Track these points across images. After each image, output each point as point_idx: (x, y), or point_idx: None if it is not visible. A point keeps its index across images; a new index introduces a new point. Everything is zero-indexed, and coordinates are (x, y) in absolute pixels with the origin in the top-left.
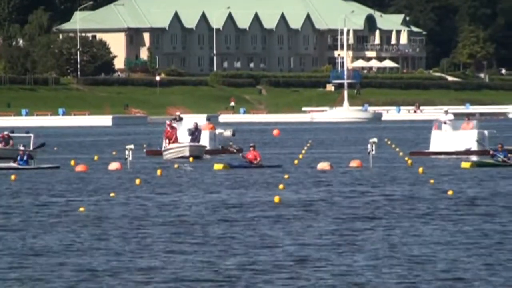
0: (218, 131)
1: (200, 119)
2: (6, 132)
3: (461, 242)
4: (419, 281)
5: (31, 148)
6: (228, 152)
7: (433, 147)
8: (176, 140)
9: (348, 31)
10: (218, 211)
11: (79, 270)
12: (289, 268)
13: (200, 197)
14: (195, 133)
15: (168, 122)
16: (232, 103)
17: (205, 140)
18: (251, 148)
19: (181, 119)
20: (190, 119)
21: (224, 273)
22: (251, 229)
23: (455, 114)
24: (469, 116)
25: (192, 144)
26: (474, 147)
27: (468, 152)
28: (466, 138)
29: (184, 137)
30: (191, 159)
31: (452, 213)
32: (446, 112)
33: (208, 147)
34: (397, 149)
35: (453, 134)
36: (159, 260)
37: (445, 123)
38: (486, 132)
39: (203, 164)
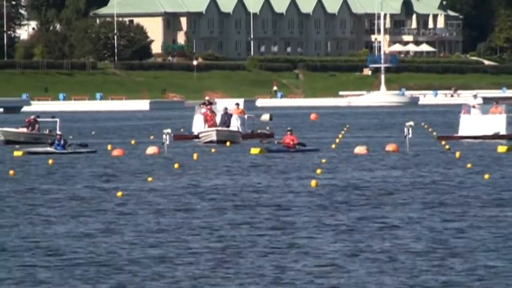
0: (246, 115)
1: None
2: (32, 117)
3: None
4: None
5: (57, 132)
6: (258, 136)
7: (462, 131)
8: (214, 124)
9: (385, 15)
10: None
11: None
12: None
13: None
14: (224, 117)
15: (202, 106)
16: (275, 87)
17: (233, 124)
18: (288, 133)
19: (210, 103)
20: (224, 104)
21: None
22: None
23: (491, 99)
24: (498, 100)
25: (219, 128)
26: (503, 131)
27: (496, 136)
28: (495, 122)
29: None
30: (228, 143)
31: (491, 199)
32: (475, 96)
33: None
34: (434, 133)
35: (481, 118)
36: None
37: (473, 107)
38: None
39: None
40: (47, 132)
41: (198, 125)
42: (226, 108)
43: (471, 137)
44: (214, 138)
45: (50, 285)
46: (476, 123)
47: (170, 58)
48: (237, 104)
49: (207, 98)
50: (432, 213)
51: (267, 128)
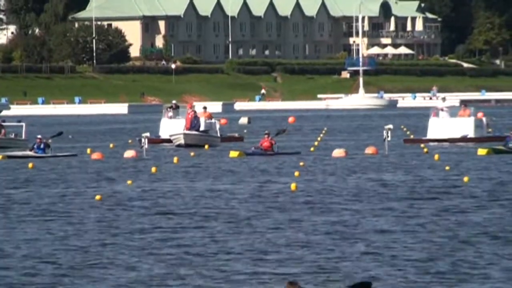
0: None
1: (216, 106)
2: None
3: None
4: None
5: (23, 137)
6: (228, 140)
7: (430, 134)
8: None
9: (363, 18)
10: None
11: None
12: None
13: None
14: (194, 121)
15: (168, 110)
16: (263, 91)
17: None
18: (266, 136)
19: (177, 107)
20: (200, 107)
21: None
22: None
23: (470, 101)
24: (465, 103)
25: (187, 132)
26: (471, 133)
27: (464, 139)
28: (463, 125)
29: (183, 126)
30: (206, 147)
31: (470, 200)
32: (444, 99)
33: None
34: (412, 136)
35: (450, 121)
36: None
37: (442, 110)
38: (484, 119)
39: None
40: (13, 136)
41: (165, 128)
42: (195, 112)
43: (439, 140)
44: (182, 141)
45: None
46: (444, 126)
47: (164, 62)
48: (205, 108)
49: (174, 101)
50: (407, 216)
51: (244, 131)
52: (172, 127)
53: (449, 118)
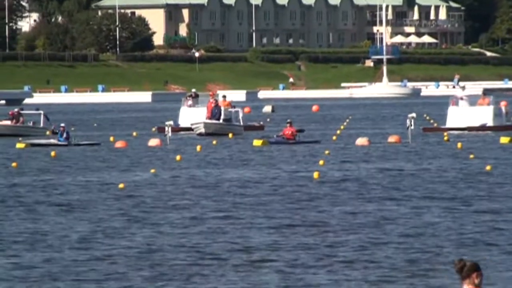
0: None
1: (240, 95)
2: (16, 109)
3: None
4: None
5: (41, 125)
6: (249, 129)
7: (449, 123)
8: (210, 115)
9: (387, 6)
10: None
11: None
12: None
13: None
14: (215, 110)
15: (188, 98)
16: (291, 80)
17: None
18: (288, 124)
19: (197, 96)
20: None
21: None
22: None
23: (493, 90)
24: (486, 91)
25: (207, 121)
26: (490, 122)
27: (483, 127)
28: (482, 114)
29: (202, 114)
30: (230, 135)
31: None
32: (463, 88)
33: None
34: (436, 125)
35: (469, 109)
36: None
37: (461, 99)
38: (503, 108)
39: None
40: (31, 124)
41: (184, 117)
42: (216, 101)
43: (458, 129)
44: (203, 130)
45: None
46: (463, 115)
47: (193, 50)
48: (224, 96)
49: (193, 90)
50: (431, 205)
51: (268, 120)
52: (191, 116)
53: (468, 106)
